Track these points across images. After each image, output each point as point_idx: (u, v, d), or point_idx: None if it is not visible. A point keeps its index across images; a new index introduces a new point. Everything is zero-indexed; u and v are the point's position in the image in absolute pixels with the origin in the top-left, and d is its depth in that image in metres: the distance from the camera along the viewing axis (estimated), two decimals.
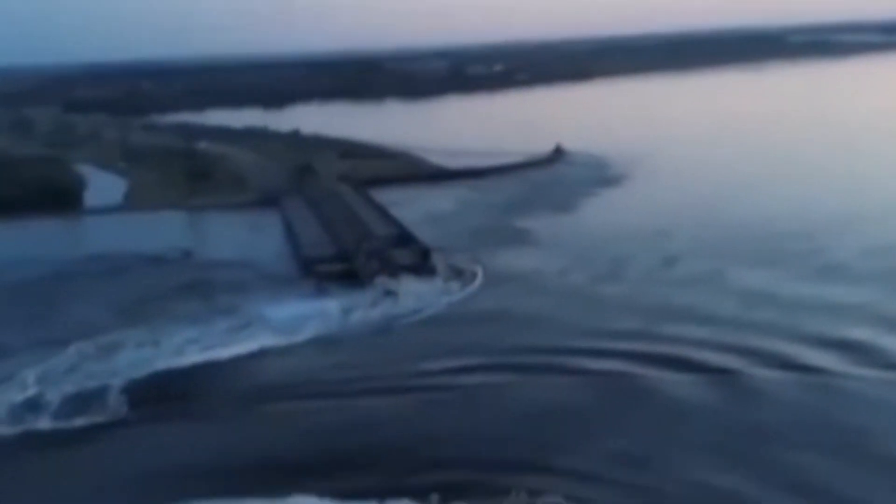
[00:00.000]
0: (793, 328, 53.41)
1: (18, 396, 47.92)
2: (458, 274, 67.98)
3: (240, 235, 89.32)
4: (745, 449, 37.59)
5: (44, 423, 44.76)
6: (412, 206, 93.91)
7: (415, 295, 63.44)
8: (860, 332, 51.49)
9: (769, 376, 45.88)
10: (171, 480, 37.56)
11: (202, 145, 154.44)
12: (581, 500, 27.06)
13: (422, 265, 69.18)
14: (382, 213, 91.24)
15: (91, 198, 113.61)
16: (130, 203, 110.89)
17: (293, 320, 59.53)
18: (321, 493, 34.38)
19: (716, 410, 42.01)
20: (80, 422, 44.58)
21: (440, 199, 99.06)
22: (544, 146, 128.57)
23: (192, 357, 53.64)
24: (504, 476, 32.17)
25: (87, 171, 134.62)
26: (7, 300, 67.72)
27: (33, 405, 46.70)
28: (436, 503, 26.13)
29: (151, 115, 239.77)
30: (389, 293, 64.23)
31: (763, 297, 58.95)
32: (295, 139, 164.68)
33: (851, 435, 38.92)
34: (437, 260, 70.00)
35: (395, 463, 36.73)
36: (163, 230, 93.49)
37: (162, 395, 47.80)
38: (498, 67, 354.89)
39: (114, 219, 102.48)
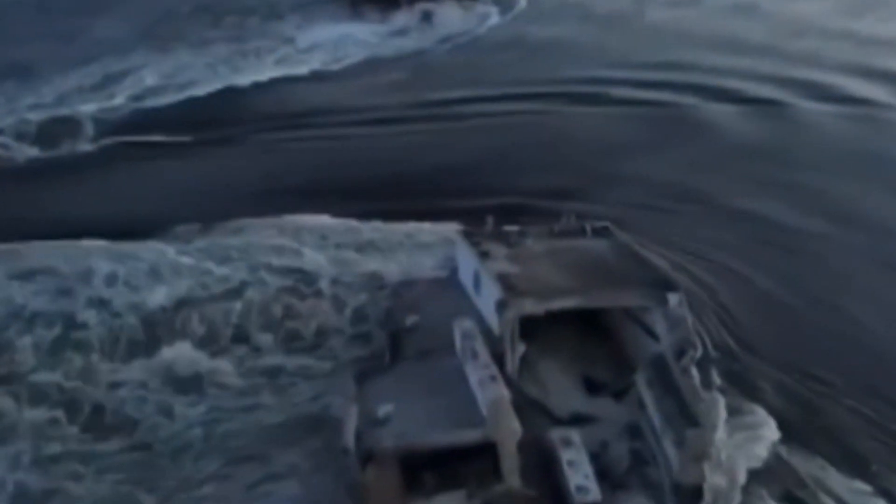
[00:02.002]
0: (838, 59, 52.41)
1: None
2: None
3: None
4: (784, 178, 38.19)
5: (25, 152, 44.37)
6: None
7: (454, 19, 61.76)
8: None
9: (813, 108, 45.75)
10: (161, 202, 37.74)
11: None
12: (627, 225, 28.11)
13: None
14: None
15: None
16: None
17: (322, 45, 58.41)
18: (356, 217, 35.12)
19: (759, 141, 42.24)
20: (69, 149, 44.26)
21: None
22: None
23: (201, 87, 52.22)
24: (553, 202, 33.11)
25: None
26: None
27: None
28: (491, 224, 27.26)
29: None
30: (427, 16, 62.47)
31: (807, 28, 57.32)
32: None
33: (893, 166, 39.50)
34: None
35: (437, 189, 37.35)
36: None
37: (164, 124, 46.89)
38: None
39: None
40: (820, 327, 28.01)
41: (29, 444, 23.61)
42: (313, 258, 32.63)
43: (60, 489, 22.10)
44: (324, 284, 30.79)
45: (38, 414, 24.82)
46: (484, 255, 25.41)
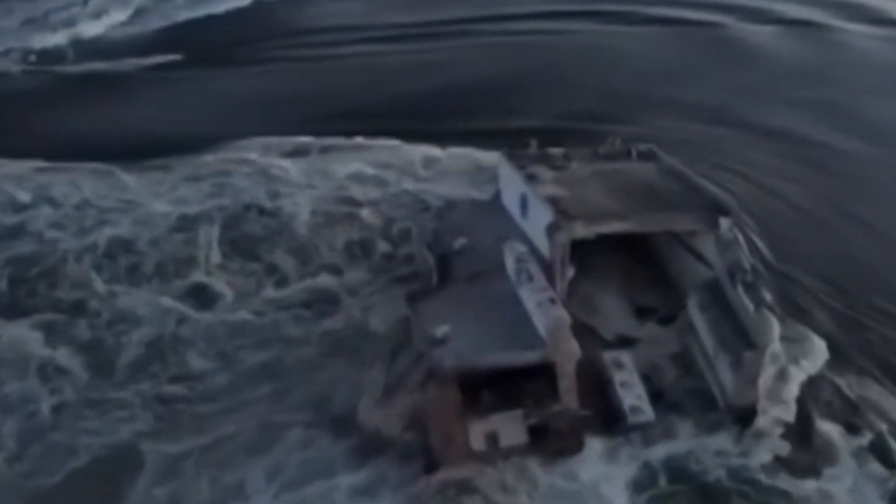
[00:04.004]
0: None
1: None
2: None
3: None
4: (822, 99, 37.88)
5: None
6: None
7: None
8: None
9: (853, 29, 44.83)
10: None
11: None
12: (666, 147, 27.66)
13: None
14: None
15: None
16: None
17: None
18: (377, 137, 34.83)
19: (796, 62, 41.75)
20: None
21: None
22: None
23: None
24: (595, 125, 32.93)
25: None
26: None
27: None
28: (535, 147, 26.88)
29: None
30: None
31: None
32: None
33: None
34: None
35: (477, 111, 36.79)
36: None
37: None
38: None
39: None
40: (861, 248, 27.88)
41: (41, 385, 22.82)
42: (339, 177, 32.37)
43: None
44: (354, 206, 30.52)
45: (46, 352, 24.01)
46: (530, 178, 25.09)
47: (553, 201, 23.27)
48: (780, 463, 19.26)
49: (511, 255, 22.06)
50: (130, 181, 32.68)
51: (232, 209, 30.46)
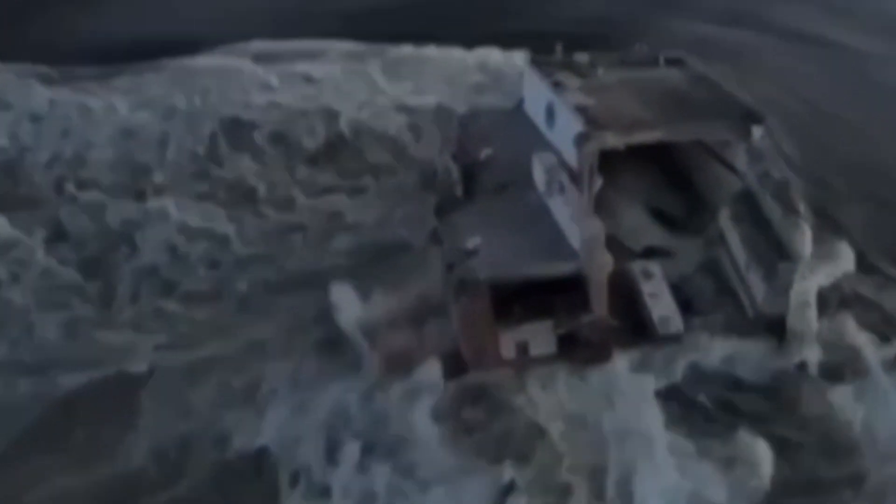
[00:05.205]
0: None
1: None
2: None
3: None
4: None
5: None
6: None
7: None
8: None
9: None
10: None
11: None
12: (692, 52, 26.86)
13: None
14: None
15: None
16: None
17: None
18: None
19: None
20: None
21: None
22: None
23: None
24: (610, 29, 32.24)
25: None
26: None
27: None
28: (560, 53, 26.22)
29: None
30: None
31: None
32: None
33: None
34: None
35: (498, 17, 36.02)
36: None
37: None
38: None
39: None
40: (889, 152, 27.53)
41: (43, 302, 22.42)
42: (341, 84, 31.71)
43: None
44: (364, 114, 29.87)
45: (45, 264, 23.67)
46: (556, 86, 24.51)
47: (581, 110, 22.78)
48: (809, 371, 19.38)
49: (541, 165, 21.74)
50: (100, 88, 31.81)
51: (215, 117, 29.68)
